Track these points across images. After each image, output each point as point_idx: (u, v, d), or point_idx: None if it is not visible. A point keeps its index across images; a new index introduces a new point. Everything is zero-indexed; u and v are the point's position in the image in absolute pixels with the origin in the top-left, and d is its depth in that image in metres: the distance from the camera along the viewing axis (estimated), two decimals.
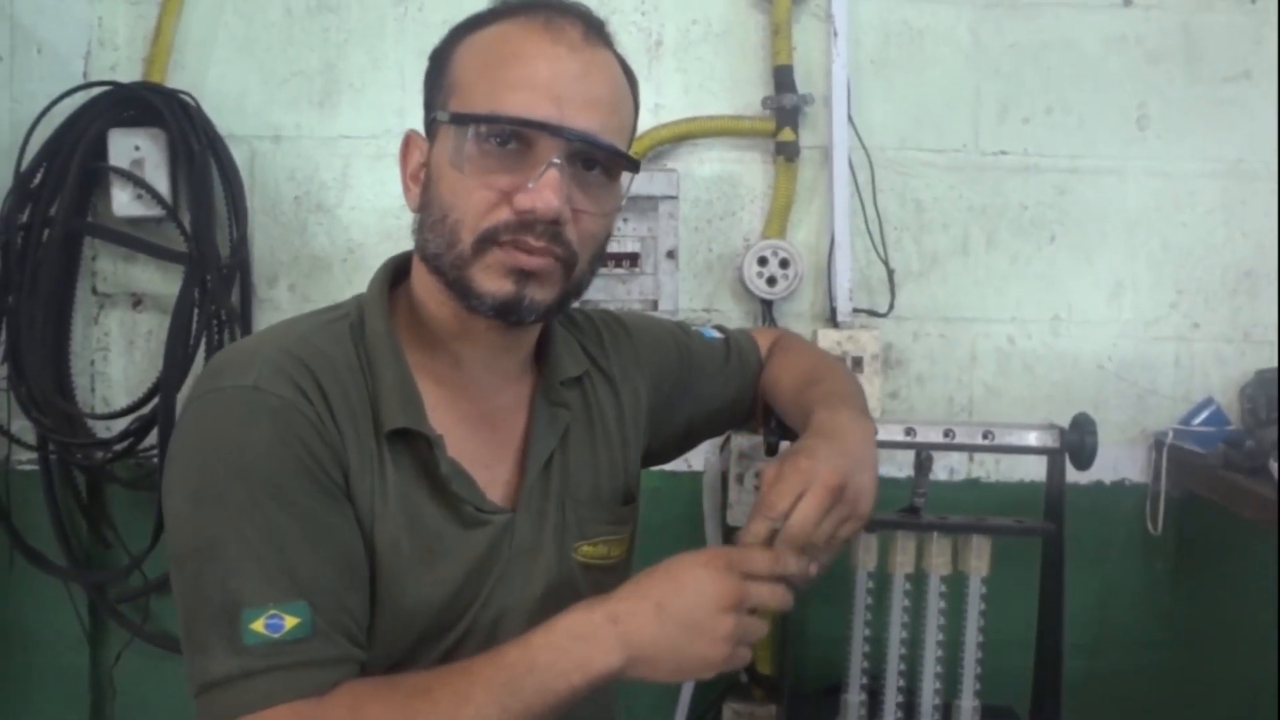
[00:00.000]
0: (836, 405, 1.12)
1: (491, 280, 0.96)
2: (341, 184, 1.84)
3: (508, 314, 0.97)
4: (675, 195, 1.73)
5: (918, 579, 1.47)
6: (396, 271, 1.06)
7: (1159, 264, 1.84)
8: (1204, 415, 1.81)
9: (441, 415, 1.00)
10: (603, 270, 1.72)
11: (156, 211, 1.76)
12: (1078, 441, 1.38)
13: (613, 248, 1.72)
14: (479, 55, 0.97)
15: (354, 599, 0.94)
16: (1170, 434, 1.79)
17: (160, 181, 1.75)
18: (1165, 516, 1.79)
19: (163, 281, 1.83)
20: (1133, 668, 1.86)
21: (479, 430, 1.04)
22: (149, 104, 1.73)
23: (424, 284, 1.01)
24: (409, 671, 0.96)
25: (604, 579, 1.09)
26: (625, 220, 1.73)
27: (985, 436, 1.41)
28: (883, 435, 1.38)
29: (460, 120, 0.94)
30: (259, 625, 0.88)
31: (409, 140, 1.01)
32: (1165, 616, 1.85)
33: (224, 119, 1.80)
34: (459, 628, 1.00)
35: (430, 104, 1.00)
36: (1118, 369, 1.84)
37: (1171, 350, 1.85)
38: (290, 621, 0.89)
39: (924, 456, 1.42)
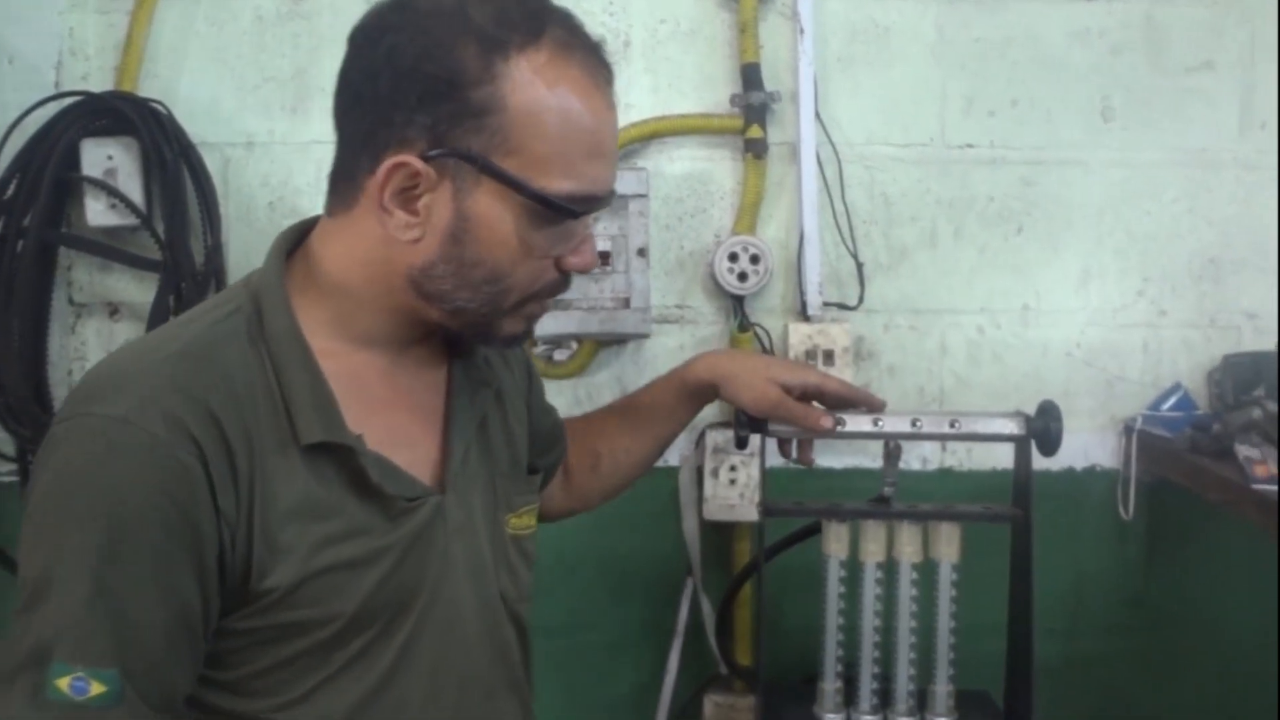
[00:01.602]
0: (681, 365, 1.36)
1: (514, 327, 1.01)
2: (315, 189, 1.84)
3: (512, 346, 1.08)
4: (645, 194, 1.75)
5: (889, 568, 1.49)
6: (291, 246, 1.03)
7: (1125, 253, 1.86)
8: (1172, 401, 1.83)
9: (355, 405, 0.97)
10: None
11: (131, 220, 1.76)
12: (1043, 428, 1.40)
13: None
14: (549, 114, 0.91)
15: (180, 665, 0.90)
16: (1139, 420, 1.81)
17: (134, 190, 1.76)
18: (1136, 501, 1.81)
19: (139, 290, 1.84)
20: (1107, 650, 1.88)
21: (396, 411, 1.03)
22: (121, 113, 1.74)
23: (373, 294, 0.98)
24: None
25: (528, 548, 1.16)
26: (596, 219, 1.74)
27: (952, 425, 1.43)
28: (851, 426, 1.40)
29: (548, 203, 0.92)
30: (64, 684, 0.85)
31: (408, 171, 0.91)
32: (1137, 600, 1.88)
33: (196, 126, 1.80)
34: (411, 617, 1.00)
35: (441, 130, 0.91)
36: (1086, 357, 1.86)
37: (1139, 337, 1.87)
38: (97, 688, 0.85)
39: (892, 446, 1.44)
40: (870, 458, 1.83)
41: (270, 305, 0.96)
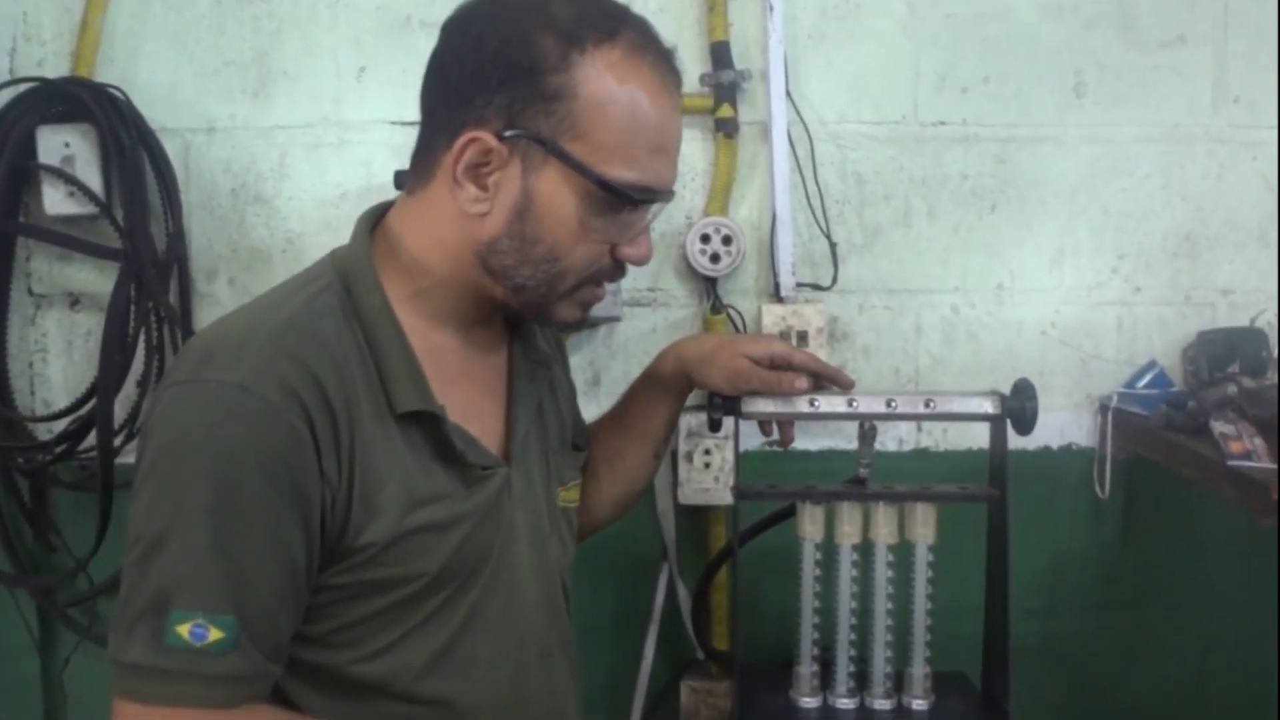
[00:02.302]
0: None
1: (570, 311, 1.09)
2: (279, 174, 1.82)
3: (567, 330, 1.16)
4: None
5: (865, 549, 1.47)
6: (372, 225, 1.10)
7: (1099, 230, 1.85)
8: (1147, 378, 1.82)
9: (435, 378, 1.05)
10: None
11: (90, 209, 1.73)
12: (1018, 407, 1.39)
13: None
14: (617, 106, 0.99)
15: (287, 616, 0.97)
16: (1114, 398, 1.80)
17: (92, 178, 1.72)
18: (1112, 479, 1.80)
19: (100, 280, 1.80)
20: (1084, 629, 1.88)
21: (465, 387, 1.10)
22: (78, 99, 1.70)
23: (447, 271, 1.05)
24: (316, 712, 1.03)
25: (573, 520, 1.26)
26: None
27: (927, 405, 1.41)
28: (824, 408, 1.38)
29: (612, 190, 1.00)
30: (184, 630, 0.90)
31: (482, 147, 0.99)
32: (1115, 578, 1.87)
33: (156, 112, 1.77)
34: (480, 581, 1.08)
35: (516, 110, 0.98)
36: (1061, 335, 1.85)
37: (1114, 315, 1.86)
38: (215, 634, 0.91)
39: (867, 427, 1.43)
40: (846, 439, 1.82)
41: (362, 284, 1.04)
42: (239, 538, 0.92)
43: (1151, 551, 1.86)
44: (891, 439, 1.85)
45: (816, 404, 1.38)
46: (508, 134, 0.99)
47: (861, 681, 1.49)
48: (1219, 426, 1.51)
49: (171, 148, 1.77)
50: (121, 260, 1.72)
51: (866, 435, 1.43)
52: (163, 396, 0.95)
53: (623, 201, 1.01)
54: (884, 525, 1.46)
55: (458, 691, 1.07)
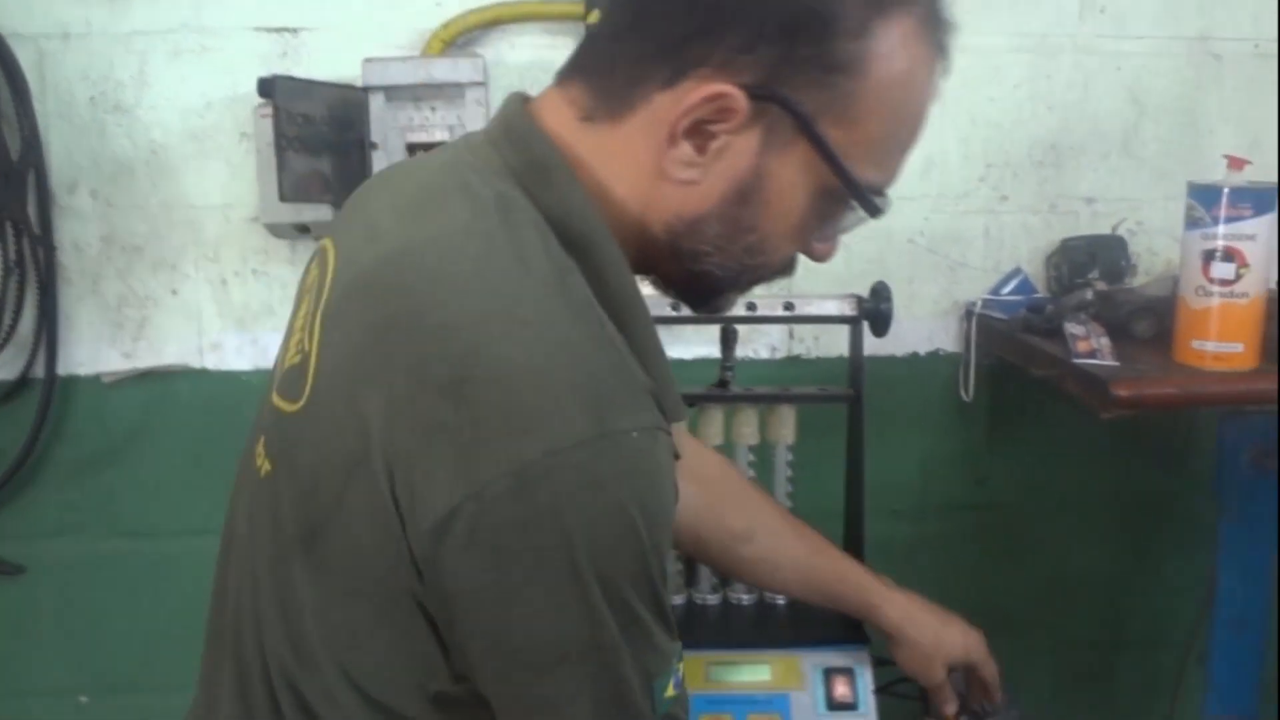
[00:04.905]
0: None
1: (729, 303, 0.92)
2: (139, 83, 1.76)
3: (710, 312, 0.94)
4: (483, 81, 1.70)
5: (727, 450, 1.50)
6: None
7: (967, 139, 1.88)
8: (1012, 285, 1.87)
9: None
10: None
11: None
12: (874, 308, 1.43)
13: (419, 137, 1.68)
14: (895, 95, 0.78)
15: None
16: (979, 304, 1.84)
17: None
18: (976, 383, 1.85)
19: None
20: (951, 530, 1.94)
21: None
22: None
23: (622, 239, 0.82)
24: None
25: None
26: (433, 109, 1.70)
27: (786, 308, 1.44)
28: (685, 312, 1.40)
29: (857, 193, 0.80)
30: (669, 688, 0.77)
31: (724, 105, 0.76)
32: (981, 480, 1.93)
33: (6, 17, 1.70)
34: None
35: (785, 71, 0.76)
36: (929, 243, 1.88)
37: (981, 223, 1.89)
38: (682, 668, 0.80)
39: (729, 331, 1.45)
40: (718, 347, 1.84)
41: (606, 258, 0.80)
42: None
43: (1015, 453, 1.92)
44: (764, 347, 1.88)
45: (680, 309, 1.40)
46: (761, 93, 0.76)
47: (725, 578, 1.53)
48: (1070, 328, 1.56)
49: (24, 54, 1.71)
50: None
51: (728, 339, 1.46)
52: (545, 478, 0.69)
53: (866, 208, 0.81)
54: (745, 426, 1.49)
55: None
